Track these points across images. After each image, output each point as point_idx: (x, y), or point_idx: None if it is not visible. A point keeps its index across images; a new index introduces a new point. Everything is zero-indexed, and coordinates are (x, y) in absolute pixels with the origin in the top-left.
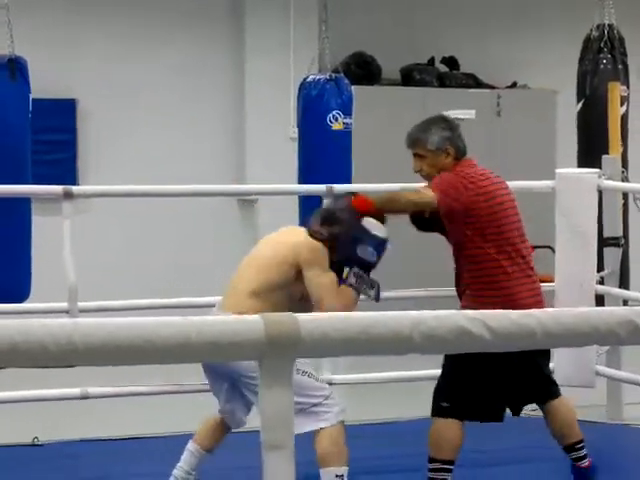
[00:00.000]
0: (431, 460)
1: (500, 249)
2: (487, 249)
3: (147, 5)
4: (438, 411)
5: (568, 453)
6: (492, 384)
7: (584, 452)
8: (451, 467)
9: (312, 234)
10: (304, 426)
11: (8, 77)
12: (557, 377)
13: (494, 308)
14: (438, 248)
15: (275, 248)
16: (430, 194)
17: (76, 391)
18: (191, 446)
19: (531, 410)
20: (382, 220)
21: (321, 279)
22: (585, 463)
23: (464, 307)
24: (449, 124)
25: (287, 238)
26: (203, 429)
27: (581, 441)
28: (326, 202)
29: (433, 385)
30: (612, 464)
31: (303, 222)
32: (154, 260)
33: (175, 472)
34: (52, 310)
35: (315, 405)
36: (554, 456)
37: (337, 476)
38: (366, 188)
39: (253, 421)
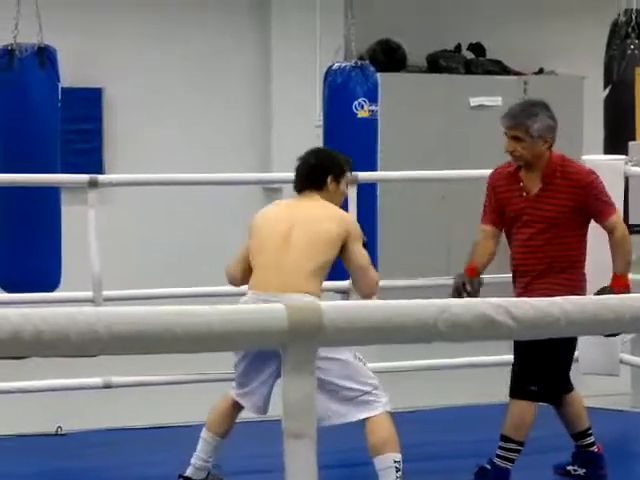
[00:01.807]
0: (507, 440)
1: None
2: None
3: None
4: (525, 394)
5: (578, 440)
6: (566, 368)
7: (593, 438)
8: (522, 449)
9: None
10: (357, 414)
11: (38, 65)
12: (582, 365)
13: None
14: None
15: (321, 224)
16: (620, 220)
17: (98, 380)
18: (205, 434)
19: None
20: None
21: (363, 251)
22: (595, 449)
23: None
24: (552, 113)
25: (325, 212)
26: (214, 415)
27: (590, 428)
28: None
29: (452, 373)
30: (636, 452)
31: None
32: (179, 249)
33: (193, 461)
34: (77, 299)
35: (367, 393)
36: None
37: (395, 462)
38: (391, 176)
39: (275, 409)
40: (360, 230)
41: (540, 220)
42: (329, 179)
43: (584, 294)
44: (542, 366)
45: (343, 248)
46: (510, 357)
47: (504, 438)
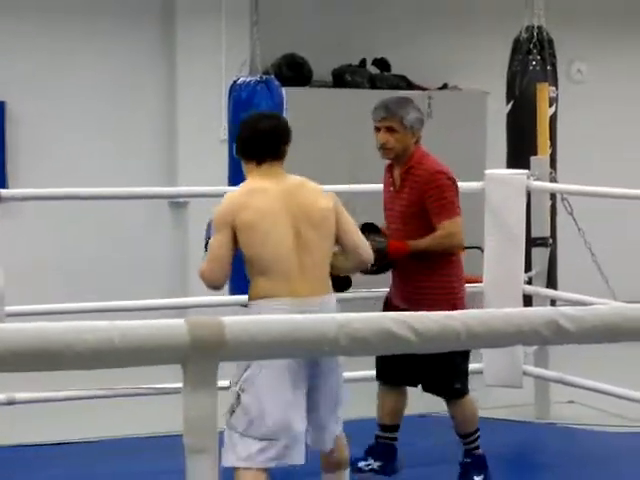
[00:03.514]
0: (466, 436)
1: None
2: None
3: (78, 8)
4: (454, 393)
5: (465, 440)
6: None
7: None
8: (479, 432)
9: None
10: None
11: None
12: (486, 377)
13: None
14: None
15: (320, 210)
16: (457, 224)
17: (1, 397)
18: None
19: None
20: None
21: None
22: (481, 451)
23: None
24: (419, 107)
25: (313, 192)
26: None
27: (478, 430)
28: None
29: None
30: (539, 462)
31: None
32: (85, 263)
33: None
34: None
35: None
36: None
37: None
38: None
39: (177, 424)
40: None
41: (398, 214)
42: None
43: (448, 293)
44: (457, 363)
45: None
46: None
47: (463, 436)
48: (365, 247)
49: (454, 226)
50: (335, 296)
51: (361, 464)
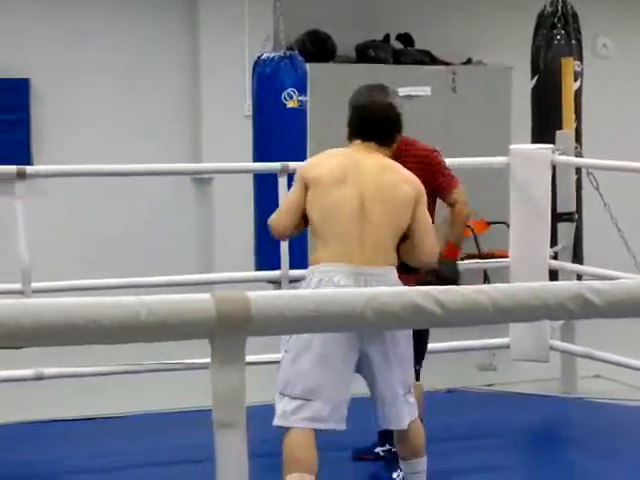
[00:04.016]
0: (421, 419)
1: None
2: None
3: None
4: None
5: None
6: None
7: None
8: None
9: None
10: (411, 415)
11: None
12: (512, 352)
13: None
14: None
15: (397, 190)
16: (463, 193)
17: (30, 372)
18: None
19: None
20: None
21: (427, 214)
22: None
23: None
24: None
25: (398, 175)
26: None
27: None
28: None
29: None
30: (565, 437)
31: (259, 200)
32: (109, 240)
33: None
34: (5, 291)
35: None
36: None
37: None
38: None
39: (206, 399)
40: None
41: None
42: (397, 137)
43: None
44: (419, 346)
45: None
46: (450, 344)
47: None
48: (427, 251)
49: (462, 192)
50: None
51: (378, 449)
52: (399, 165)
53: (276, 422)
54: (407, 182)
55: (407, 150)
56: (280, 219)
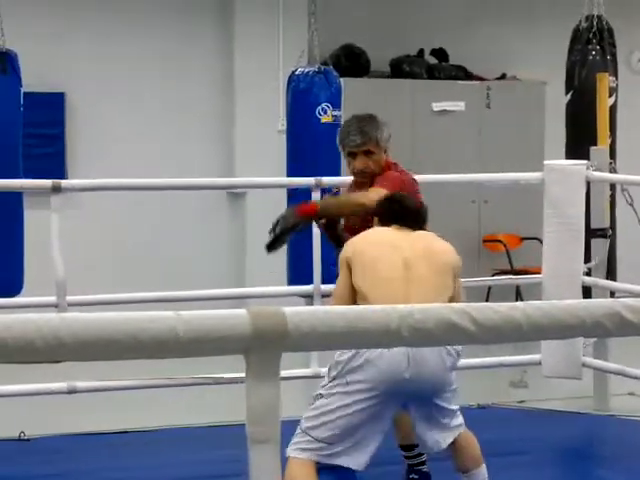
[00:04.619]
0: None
1: None
2: None
3: (136, 1)
4: None
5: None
6: None
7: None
8: None
9: None
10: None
11: (0, 70)
12: (544, 369)
13: None
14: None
15: (444, 256)
16: (379, 195)
17: (63, 385)
18: None
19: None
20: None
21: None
22: (425, 468)
23: None
24: (385, 122)
25: (443, 243)
26: None
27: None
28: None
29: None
30: (598, 455)
31: None
32: (143, 253)
33: None
34: (41, 304)
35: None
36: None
37: None
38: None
39: (241, 414)
40: None
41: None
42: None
43: None
44: None
45: None
46: (481, 360)
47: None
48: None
49: (377, 194)
50: None
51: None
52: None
53: (293, 454)
54: (447, 249)
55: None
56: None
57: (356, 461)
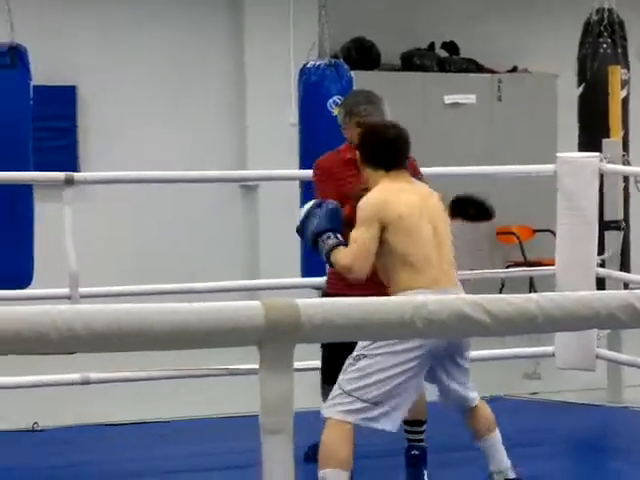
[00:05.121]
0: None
1: None
2: None
3: None
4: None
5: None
6: None
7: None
8: None
9: None
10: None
11: (9, 64)
12: (558, 360)
13: None
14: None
15: (445, 216)
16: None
17: (76, 376)
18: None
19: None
20: None
21: None
22: (424, 443)
23: None
24: None
25: (439, 202)
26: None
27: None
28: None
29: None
30: (611, 446)
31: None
32: (156, 246)
33: None
34: (53, 296)
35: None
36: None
37: None
38: None
39: (254, 405)
40: None
41: None
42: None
43: None
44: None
45: None
46: (495, 352)
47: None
48: None
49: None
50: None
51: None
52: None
53: (337, 417)
54: (440, 200)
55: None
56: (363, 267)
57: (394, 423)
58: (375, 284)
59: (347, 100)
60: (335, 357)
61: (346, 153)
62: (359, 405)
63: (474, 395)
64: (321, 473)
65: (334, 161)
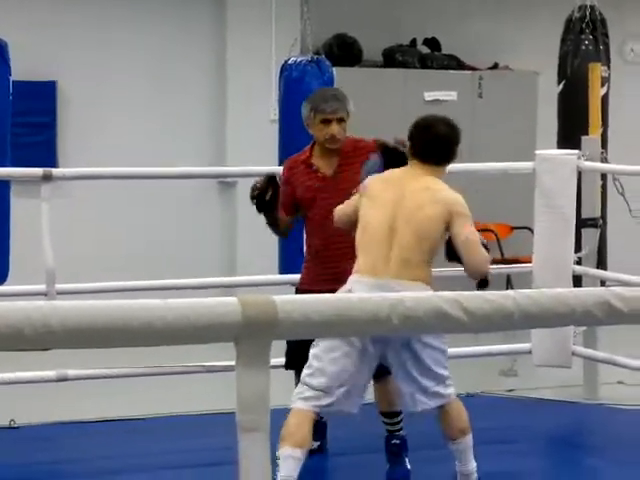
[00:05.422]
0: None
1: None
2: None
3: None
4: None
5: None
6: None
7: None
8: None
9: None
10: (438, 400)
11: None
12: (535, 357)
13: None
14: None
15: (424, 210)
16: None
17: (52, 373)
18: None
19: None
20: None
21: (471, 228)
22: (403, 432)
23: None
24: None
25: (429, 195)
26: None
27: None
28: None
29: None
30: (587, 443)
31: None
32: (134, 242)
33: None
34: (29, 292)
35: (447, 378)
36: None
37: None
38: None
39: (230, 403)
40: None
41: (338, 198)
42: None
43: None
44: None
45: (449, 227)
46: (471, 349)
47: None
48: (472, 266)
49: None
50: (424, 287)
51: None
52: (437, 186)
53: (294, 404)
54: (432, 202)
55: (354, 150)
56: (342, 210)
57: (350, 408)
58: (335, 280)
59: (312, 97)
60: (298, 344)
61: (305, 154)
62: (310, 393)
63: (433, 403)
64: (279, 452)
65: (293, 162)
